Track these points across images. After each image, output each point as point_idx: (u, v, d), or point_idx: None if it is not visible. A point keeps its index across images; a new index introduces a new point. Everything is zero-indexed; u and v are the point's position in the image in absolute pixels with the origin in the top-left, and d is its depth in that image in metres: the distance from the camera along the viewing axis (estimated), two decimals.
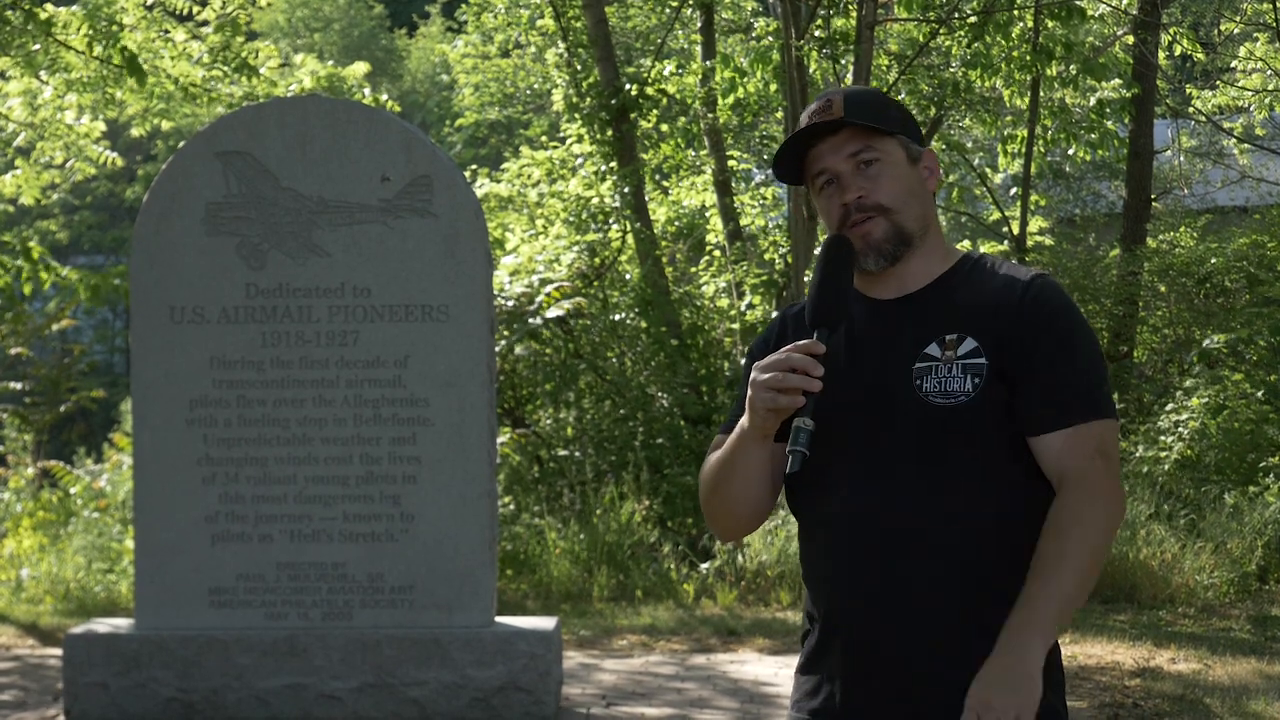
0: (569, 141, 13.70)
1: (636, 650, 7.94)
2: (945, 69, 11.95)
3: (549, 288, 11.17)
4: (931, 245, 2.55)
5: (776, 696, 6.76)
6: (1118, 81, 12.65)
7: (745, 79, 11.18)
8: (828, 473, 2.46)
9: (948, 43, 11.69)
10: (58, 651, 7.71)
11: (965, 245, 16.56)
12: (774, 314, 11.88)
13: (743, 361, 2.66)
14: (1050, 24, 10.93)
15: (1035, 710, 2.29)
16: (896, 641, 2.42)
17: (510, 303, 11.10)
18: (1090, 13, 11.57)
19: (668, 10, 14.68)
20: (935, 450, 2.42)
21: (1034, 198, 14.11)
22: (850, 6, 11.00)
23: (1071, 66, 11.21)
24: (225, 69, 11.76)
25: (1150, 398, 11.29)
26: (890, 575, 2.42)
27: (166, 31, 11.85)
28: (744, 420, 2.48)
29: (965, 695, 2.33)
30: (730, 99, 11.54)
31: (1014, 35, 11.05)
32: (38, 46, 10.91)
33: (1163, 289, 12.42)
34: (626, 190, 12.57)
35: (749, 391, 2.44)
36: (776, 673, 7.25)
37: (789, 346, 2.41)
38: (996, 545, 2.43)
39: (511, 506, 10.60)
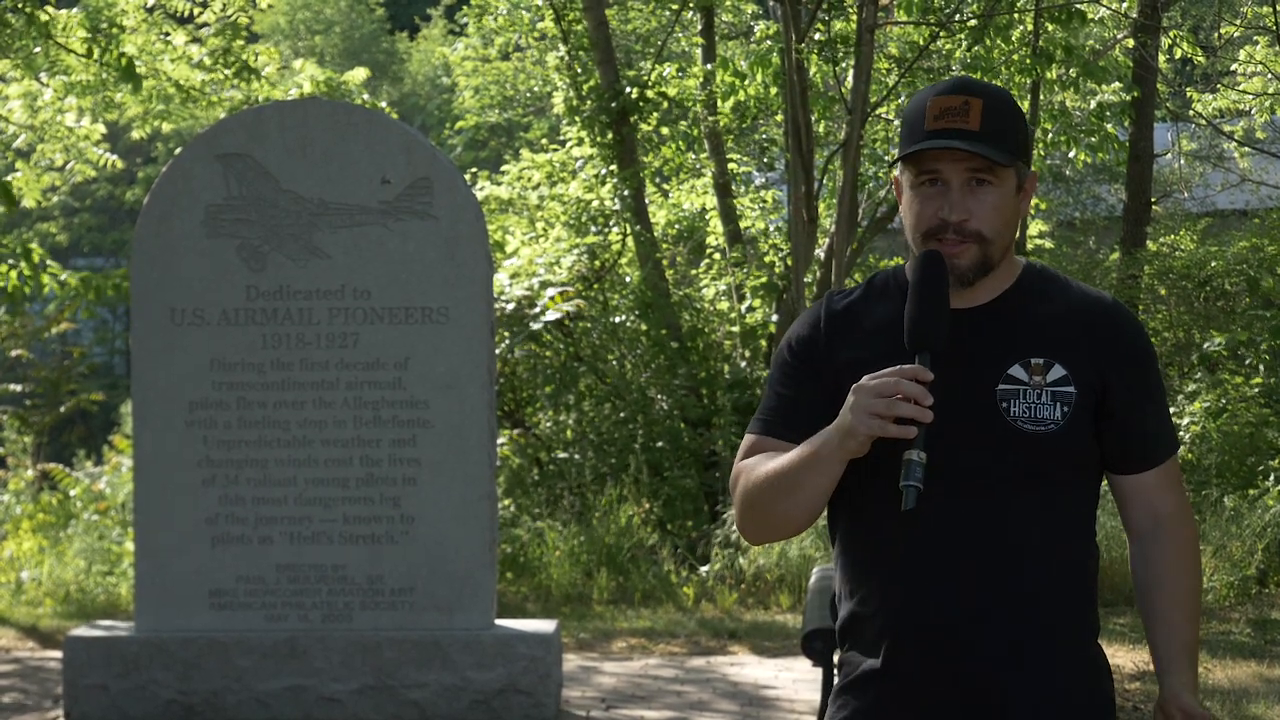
0: (569, 144, 13.69)
1: (636, 653, 7.94)
2: (945, 72, 11.94)
3: (551, 291, 11.16)
4: (1003, 264, 2.49)
5: (776, 699, 6.76)
6: (1118, 85, 12.65)
7: (745, 82, 11.18)
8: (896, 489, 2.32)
9: (948, 46, 11.69)
10: (57, 654, 7.71)
11: None
12: (774, 315, 11.91)
13: (775, 352, 2.59)
14: (1050, 27, 10.94)
15: None
16: (975, 669, 2.38)
17: (510, 305, 11.09)
18: (1090, 16, 11.57)
19: (668, 13, 14.67)
20: (1025, 476, 2.39)
21: (1034, 201, 14.09)
22: (850, 9, 11.01)
23: (1071, 70, 11.21)
24: (226, 72, 11.76)
25: None
26: (977, 602, 2.37)
27: (167, 34, 11.85)
28: (829, 437, 2.34)
29: None
30: (730, 102, 11.54)
31: (1014, 38, 11.05)
32: (38, 49, 10.91)
33: (1163, 292, 12.41)
34: (626, 193, 12.56)
35: (849, 416, 2.29)
36: (776, 675, 7.25)
37: (895, 370, 2.28)
38: (1077, 573, 2.45)
39: (511, 509, 10.59)
